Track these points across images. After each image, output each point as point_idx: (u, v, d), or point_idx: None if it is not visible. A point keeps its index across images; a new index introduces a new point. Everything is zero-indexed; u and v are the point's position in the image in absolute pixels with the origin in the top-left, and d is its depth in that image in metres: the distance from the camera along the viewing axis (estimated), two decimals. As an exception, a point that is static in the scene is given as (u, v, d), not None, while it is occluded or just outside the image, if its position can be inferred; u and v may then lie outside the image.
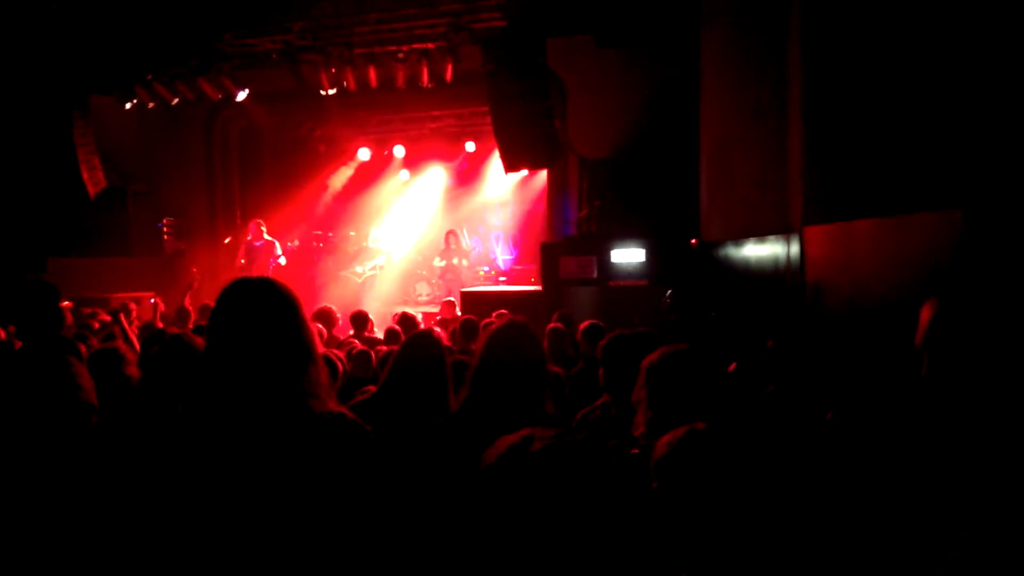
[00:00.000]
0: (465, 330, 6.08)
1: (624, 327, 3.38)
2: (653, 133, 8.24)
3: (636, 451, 2.12)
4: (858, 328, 3.80)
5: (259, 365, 1.59)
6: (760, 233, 5.33)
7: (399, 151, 14.07)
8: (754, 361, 3.34)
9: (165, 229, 12.12)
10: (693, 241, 6.72)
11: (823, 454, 2.29)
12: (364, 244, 13.47)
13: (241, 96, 9.82)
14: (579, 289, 8.02)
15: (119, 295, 9.76)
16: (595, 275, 7.79)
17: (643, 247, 7.61)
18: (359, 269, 12.98)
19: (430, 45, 8.73)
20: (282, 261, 11.32)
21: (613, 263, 7.73)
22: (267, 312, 1.64)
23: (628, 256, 7.68)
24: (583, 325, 4.74)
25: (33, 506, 1.55)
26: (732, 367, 3.45)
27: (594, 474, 1.21)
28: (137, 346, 5.24)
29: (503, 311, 6.30)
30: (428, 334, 3.04)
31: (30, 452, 1.65)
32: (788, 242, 4.82)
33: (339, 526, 1.55)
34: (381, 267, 13.08)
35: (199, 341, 2.71)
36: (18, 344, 4.25)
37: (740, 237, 5.70)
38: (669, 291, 5.71)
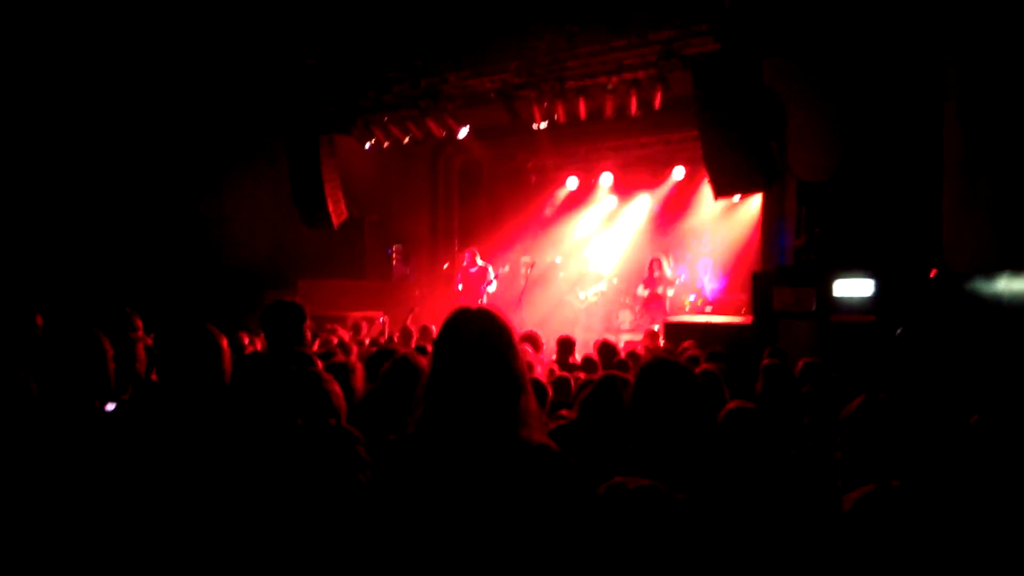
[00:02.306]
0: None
1: (847, 367, 3.10)
2: (882, 153, 7.50)
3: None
4: None
5: (477, 392, 1.69)
6: (1016, 265, 4.61)
7: (606, 179, 14.23)
8: (1004, 414, 2.89)
9: (393, 255, 13.36)
10: (933, 272, 5.99)
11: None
12: (586, 270, 13.75)
13: (462, 133, 10.56)
14: (793, 323, 7.47)
15: (353, 314, 10.91)
16: (814, 308, 7.21)
17: (871, 278, 6.90)
18: (581, 295, 13.31)
19: (639, 74, 8.75)
20: (493, 287, 11.92)
21: (835, 295, 7.11)
22: (485, 342, 1.73)
23: (853, 288, 7.01)
24: (800, 363, 4.42)
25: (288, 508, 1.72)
26: (974, 419, 3.01)
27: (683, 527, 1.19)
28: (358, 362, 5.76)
29: (690, 342, 6.08)
30: (615, 379, 3.01)
31: (279, 460, 1.85)
32: (1055, 276, 4.12)
33: (537, 552, 1.60)
34: (603, 292, 13.27)
35: (423, 361, 2.96)
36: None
37: (991, 269, 4.97)
38: (899, 328, 5.13)
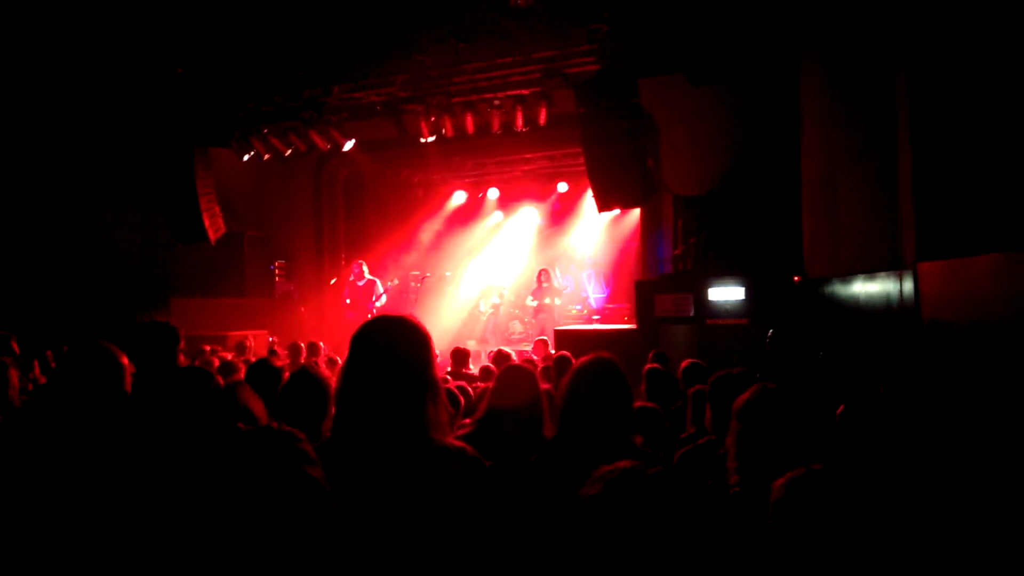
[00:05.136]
0: (559, 367, 6.15)
1: (723, 367, 3.35)
2: (749, 168, 8.13)
3: (736, 490, 2.09)
4: (983, 372, 3.59)
5: (392, 397, 1.70)
6: (869, 269, 5.14)
7: (493, 193, 14.47)
8: (864, 404, 3.22)
9: (276, 271, 12.88)
10: (796, 278, 6.54)
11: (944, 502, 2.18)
12: (485, 282, 14.00)
13: (348, 146, 10.40)
14: (674, 328, 7.92)
15: (235, 333, 10.41)
16: (692, 313, 7.68)
17: (742, 284, 7.45)
18: (481, 306, 13.49)
19: (524, 91, 9.01)
20: (382, 301, 11.76)
21: (711, 301, 7.61)
22: (401, 346, 1.75)
23: (726, 294, 7.54)
24: (684, 364, 4.70)
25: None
26: (840, 410, 3.33)
27: (689, 507, 1.24)
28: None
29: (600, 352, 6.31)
30: (522, 368, 3.10)
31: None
32: (901, 279, 4.63)
33: (460, 554, 1.63)
34: (498, 305, 13.46)
35: (324, 373, 2.90)
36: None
37: (847, 274, 5.51)
38: (771, 330, 5.57)
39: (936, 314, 4.19)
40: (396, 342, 1.75)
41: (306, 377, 2.67)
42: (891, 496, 1.69)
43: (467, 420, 3.75)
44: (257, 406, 1.90)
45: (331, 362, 7.73)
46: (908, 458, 2.59)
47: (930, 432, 2.86)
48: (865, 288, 5.22)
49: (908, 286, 4.54)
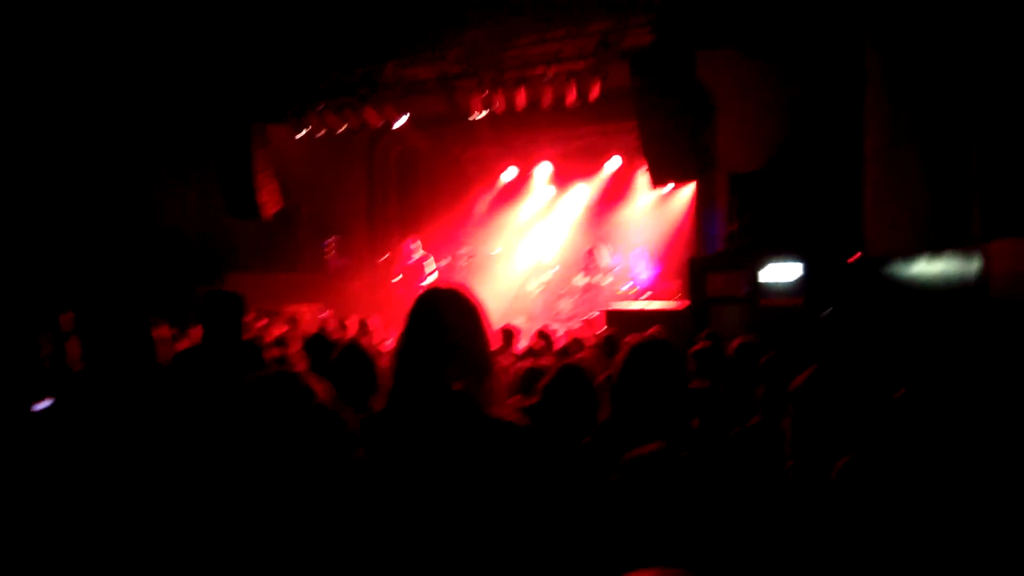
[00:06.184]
0: (608, 346, 6.10)
1: (775, 347, 3.26)
2: (808, 143, 7.84)
3: (792, 474, 2.04)
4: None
5: (445, 365, 1.70)
6: (934, 247, 4.92)
7: (544, 169, 14.36)
8: (926, 387, 3.10)
9: (329, 247, 13.11)
10: (854, 256, 6.31)
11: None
12: (535, 260, 13.93)
13: (400, 122, 10.45)
14: (726, 307, 7.74)
15: (288, 308, 10.66)
16: (745, 292, 7.49)
17: (798, 263, 7.22)
18: (530, 285, 13.49)
19: (578, 65, 8.87)
20: (432, 277, 11.87)
21: (765, 280, 7.40)
22: (457, 317, 1.75)
23: (781, 273, 7.32)
24: (735, 342, 4.59)
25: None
26: (899, 393, 3.21)
27: (718, 491, 1.23)
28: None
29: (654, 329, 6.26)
30: (580, 371, 3.06)
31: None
32: (968, 258, 4.41)
33: (507, 522, 1.63)
34: (547, 283, 13.44)
35: (371, 349, 2.95)
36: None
37: (910, 252, 5.28)
38: (828, 310, 5.40)
39: (1007, 294, 4.00)
40: (450, 312, 1.75)
41: (355, 351, 2.71)
42: (951, 479, 1.62)
43: (511, 400, 3.76)
44: (321, 389, 1.92)
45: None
46: (973, 440, 2.49)
47: (998, 415, 2.74)
48: (929, 267, 5.00)
49: (976, 265, 4.33)
